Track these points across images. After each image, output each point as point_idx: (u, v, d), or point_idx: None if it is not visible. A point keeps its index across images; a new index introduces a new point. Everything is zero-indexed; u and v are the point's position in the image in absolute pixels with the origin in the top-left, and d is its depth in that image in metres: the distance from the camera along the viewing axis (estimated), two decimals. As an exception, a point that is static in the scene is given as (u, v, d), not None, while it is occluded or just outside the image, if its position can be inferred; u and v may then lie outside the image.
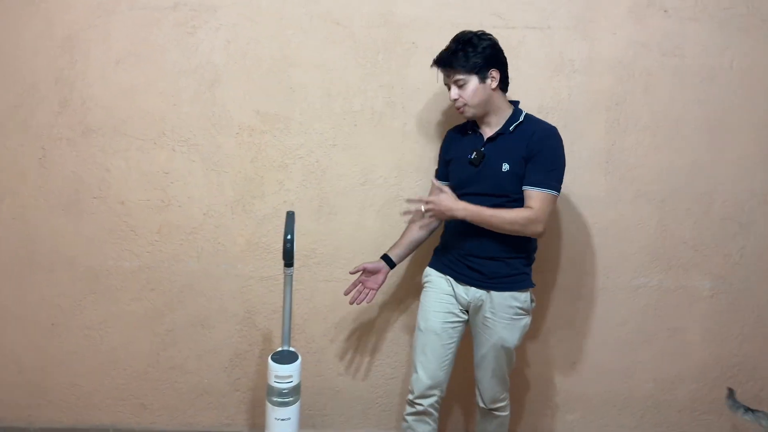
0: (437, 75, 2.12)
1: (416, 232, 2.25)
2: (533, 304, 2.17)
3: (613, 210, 2.47)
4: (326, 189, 2.44)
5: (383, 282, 2.25)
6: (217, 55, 2.36)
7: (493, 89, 2.06)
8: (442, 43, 2.34)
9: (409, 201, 2.20)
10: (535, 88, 2.40)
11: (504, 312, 2.09)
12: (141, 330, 2.51)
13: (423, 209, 2.06)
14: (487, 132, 2.12)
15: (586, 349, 2.57)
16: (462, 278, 2.14)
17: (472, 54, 2.03)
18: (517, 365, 2.55)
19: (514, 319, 2.10)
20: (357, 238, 2.48)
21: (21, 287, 2.47)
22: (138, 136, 2.40)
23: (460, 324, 2.18)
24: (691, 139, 2.44)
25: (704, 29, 2.37)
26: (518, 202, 2.04)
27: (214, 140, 2.40)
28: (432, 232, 2.28)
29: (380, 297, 2.51)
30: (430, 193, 2.19)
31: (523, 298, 2.11)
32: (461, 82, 2.04)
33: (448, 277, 2.17)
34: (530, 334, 2.53)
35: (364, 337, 2.56)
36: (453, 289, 2.16)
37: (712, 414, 2.62)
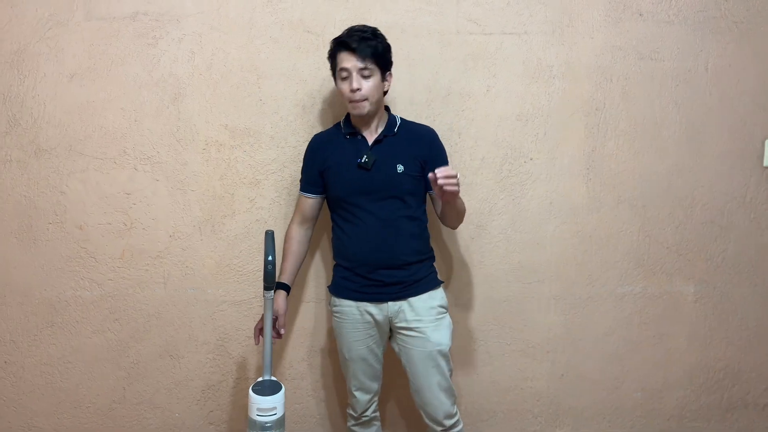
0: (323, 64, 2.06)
1: (298, 249, 2.13)
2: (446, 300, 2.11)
3: (596, 217, 2.42)
4: (301, 205, 2.32)
5: (286, 309, 2.08)
6: (181, 67, 2.23)
7: (384, 92, 2.03)
8: (419, 51, 2.29)
9: (435, 174, 1.79)
10: (513, 95, 2.34)
11: (427, 315, 2.02)
12: (104, 364, 2.33)
13: (444, 182, 1.78)
14: (369, 136, 2.03)
15: (573, 360, 2.50)
16: (376, 297, 2.02)
17: (382, 48, 1.97)
18: (503, 379, 2.48)
19: (438, 318, 2.04)
20: (335, 256, 2.36)
21: (-31, 323, 2.26)
22: (96, 156, 2.23)
23: (384, 337, 2.09)
24: (669, 142, 2.41)
25: (679, 32, 2.36)
26: (412, 203, 2.01)
27: (180, 157, 2.26)
28: (308, 243, 2.19)
29: (361, 317, 2.39)
30: (298, 205, 2.15)
31: (439, 295, 2.08)
32: (367, 73, 1.93)
33: (360, 302, 2.04)
34: (516, 348, 2.47)
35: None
36: (368, 313, 2.03)
37: (700, 420, 2.58)
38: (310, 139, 2.25)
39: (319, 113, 2.29)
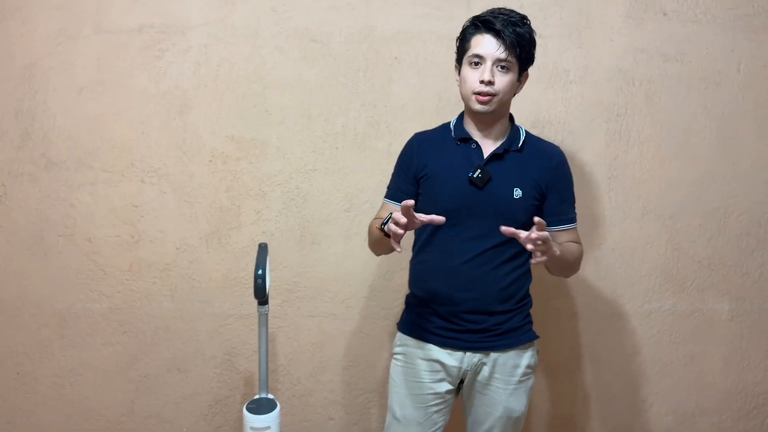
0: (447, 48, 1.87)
1: None
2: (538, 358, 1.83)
3: (619, 229, 2.29)
4: (308, 217, 2.27)
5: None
6: (187, 79, 2.21)
7: (514, 94, 1.71)
8: (427, 57, 2.22)
9: (507, 231, 1.48)
10: (528, 102, 2.23)
11: (509, 375, 1.71)
12: (114, 377, 2.33)
13: (533, 247, 1.47)
14: (488, 146, 1.70)
15: (597, 381, 2.36)
16: (453, 344, 1.71)
17: (529, 39, 1.63)
18: (522, 402, 2.36)
19: (522, 381, 1.73)
20: (343, 269, 2.30)
21: (-17, 335, 2.30)
22: (105, 168, 2.24)
23: (450, 399, 1.77)
24: (699, 149, 2.26)
25: (708, 32, 2.22)
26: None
27: (186, 169, 2.24)
28: None
29: (372, 330, 2.32)
30: (380, 215, 1.79)
31: (529, 354, 1.76)
32: (505, 65, 1.60)
33: (433, 346, 1.73)
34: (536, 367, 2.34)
35: (355, 376, 2.36)
36: (440, 362, 1.72)
37: (739, 448, 2.40)
38: (316, 150, 2.21)
39: (324, 123, 2.23)
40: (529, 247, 1.46)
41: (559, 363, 2.35)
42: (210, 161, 2.24)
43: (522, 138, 1.73)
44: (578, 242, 1.79)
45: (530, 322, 1.81)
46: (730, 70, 2.23)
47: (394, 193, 1.81)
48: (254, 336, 2.30)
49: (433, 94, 2.23)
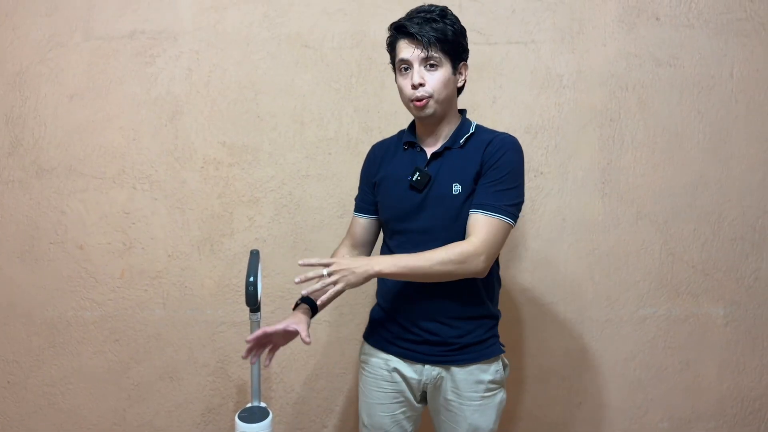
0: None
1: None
2: (507, 372, 1.70)
3: (613, 234, 2.28)
4: (301, 223, 2.26)
5: (294, 326, 1.60)
6: (179, 85, 2.20)
7: (459, 89, 1.64)
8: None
9: (303, 264, 1.50)
10: (521, 107, 2.22)
11: (471, 391, 1.62)
12: (105, 385, 2.30)
13: (325, 273, 1.48)
14: (432, 146, 1.64)
15: (592, 387, 2.35)
16: (411, 355, 1.65)
17: (452, 32, 1.55)
18: (516, 408, 2.35)
19: (486, 397, 1.63)
20: (337, 276, 2.28)
21: (-27, 343, 2.27)
22: (96, 175, 2.22)
23: (418, 408, 1.73)
24: (693, 154, 2.25)
25: (700, 36, 2.21)
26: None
27: (178, 175, 2.23)
28: None
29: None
30: (350, 230, 1.82)
31: (493, 369, 1.64)
32: (433, 63, 1.54)
33: (392, 356, 1.68)
34: (530, 374, 2.33)
35: (349, 383, 2.34)
36: (399, 372, 1.67)
37: (735, 454, 2.38)
38: (309, 156, 2.20)
39: (316, 129, 2.22)
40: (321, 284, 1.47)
41: (553, 369, 2.34)
42: (202, 167, 2.23)
43: (469, 134, 1.63)
44: (476, 237, 1.51)
45: (496, 336, 1.68)
46: (723, 74, 2.23)
47: (359, 205, 1.81)
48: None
49: (425, 100, 2.22)
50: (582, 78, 2.22)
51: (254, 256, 1.78)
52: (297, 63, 2.21)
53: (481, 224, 1.52)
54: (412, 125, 1.74)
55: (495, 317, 1.69)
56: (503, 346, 1.70)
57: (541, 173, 2.25)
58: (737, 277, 2.30)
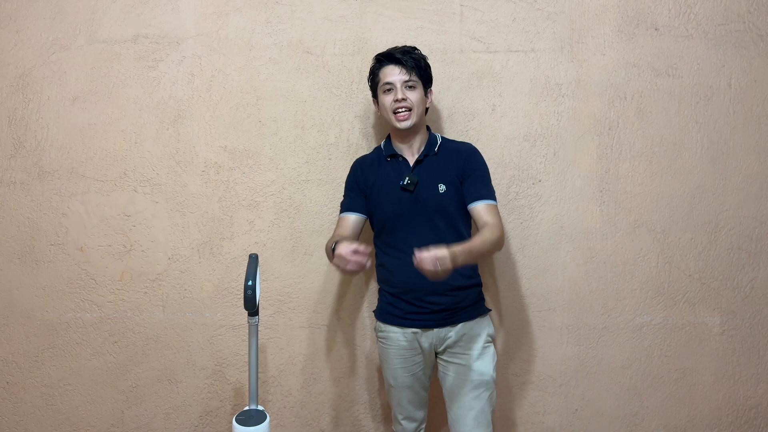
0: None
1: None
2: (493, 330, 2.07)
3: (611, 242, 2.29)
4: (300, 228, 2.27)
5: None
6: (181, 89, 2.22)
7: (426, 108, 2.01)
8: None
9: (419, 257, 1.66)
10: (520, 115, 2.24)
11: (474, 342, 1.97)
12: (103, 387, 2.32)
13: (429, 264, 1.65)
14: (411, 157, 2.00)
15: (588, 394, 2.35)
16: (422, 324, 1.97)
17: (424, 63, 1.99)
18: (513, 414, 2.35)
19: (485, 347, 1.99)
20: (335, 280, 2.30)
21: (-28, 344, 2.28)
22: (97, 178, 2.24)
23: (430, 364, 2.05)
24: (690, 163, 2.27)
25: (699, 47, 2.23)
26: (458, 225, 1.95)
27: (179, 179, 2.24)
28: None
29: (363, 341, 2.32)
30: (337, 231, 1.99)
31: (486, 323, 2.03)
32: (412, 84, 1.94)
33: (407, 328, 1.99)
34: (527, 381, 2.34)
35: (347, 387, 2.35)
36: (416, 340, 1.99)
37: (730, 463, 2.39)
38: (309, 161, 2.22)
39: (317, 134, 2.24)
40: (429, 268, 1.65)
41: (550, 376, 2.35)
42: (203, 171, 2.24)
43: (438, 144, 2.01)
44: (494, 221, 1.90)
45: (483, 299, 2.07)
46: (721, 85, 2.25)
47: (349, 205, 2.04)
48: (245, 347, 2.29)
49: (425, 107, 2.24)
50: (581, 87, 2.24)
51: (253, 260, 1.79)
52: (298, 69, 2.23)
53: (490, 210, 1.92)
54: (388, 141, 2.06)
55: (479, 284, 2.06)
56: (489, 308, 2.09)
57: (540, 181, 2.26)
58: (734, 286, 2.31)
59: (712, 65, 2.24)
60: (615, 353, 2.34)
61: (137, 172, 2.24)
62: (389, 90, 1.94)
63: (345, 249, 1.71)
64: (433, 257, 1.63)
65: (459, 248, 1.71)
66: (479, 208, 1.93)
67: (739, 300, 2.32)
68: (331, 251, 1.80)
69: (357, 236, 2.02)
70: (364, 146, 2.24)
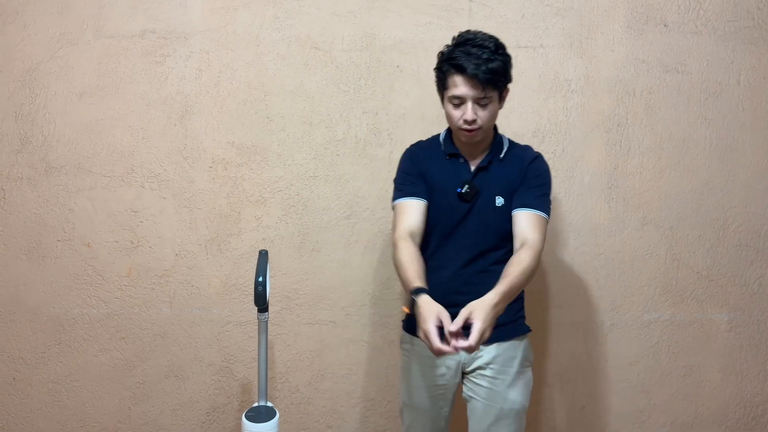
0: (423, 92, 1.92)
1: (418, 255, 1.72)
2: (531, 354, 1.87)
3: (619, 239, 2.29)
4: (308, 224, 2.27)
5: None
6: (188, 85, 2.21)
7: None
8: (429, 66, 2.20)
9: (441, 351, 1.49)
10: (529, 111, 2.24)
11: (507, 366, 1.75)
12: (110, 383, 2.31)
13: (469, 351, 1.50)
14: (473, 160, 1.78)
15: (595, 391, 2.36)
16: None
17: (503, 67, 1.65)
18: (521, 411, 2.35)
19: (520, 373, 1.77)
20: (343, 276, 2.29)
21: (-21, 340, 2.28)
22: (104, 173, 2.23)
23: (453, 387, 1.83)
24: (699, 160, 2.26)
25: (708, 43, 2.22)
26: (507, 243, 1.74)
27: (187, 175, 2.24)
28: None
29: (371, 338, 2.32)
30: (399, 220, 1.78)
31: (524, 345, 1.81)
32: (485, 102, 1.65)
33: None
34: (535, 377, 2.33)
35: (354, 384, 2.35)
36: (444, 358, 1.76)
37: (737, 459, 2.39)
38: (317, 157, 2.21)
39: (325, 130, 2.23)
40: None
41: (557, 373, 2.35)
42: (210, 167, 2.24)
43: (505, 149, 1.79)
44: (536, 238, 1.68)
45: (523, 317, 1.86)
46: (730, 81, 2.24)
47: (411, 190, 1.79)
48: (252, 343, 2.29)
49: (434, 103, 2.18)
50: (590, 83, 2.23)
51: (263, 256, 1.79)
52: (306, 64, 2.22)
53: (531, 220, 1.69)
54: (449, 135, 1.82)
55: (521, 299, 1.84)
56: (530, 329, 1.87)
57: (548, 177, 2.26)
58: (741, 283, 2.32)
59: (721, 62, 2.23)
60: (622, 350, 2.34)
61: (144, 167, 2.23)
62: (458, 104, 1.67)
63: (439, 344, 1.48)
64: (474, 345, 1.46)
65: (496, 300, 1.53)
66: (523, 216, 1.70)
67: (747, 297, 2.32)
68: (411, 295, 1.60)
69: (423, 228, 1.78)
70: (372, 142, 2.23)
